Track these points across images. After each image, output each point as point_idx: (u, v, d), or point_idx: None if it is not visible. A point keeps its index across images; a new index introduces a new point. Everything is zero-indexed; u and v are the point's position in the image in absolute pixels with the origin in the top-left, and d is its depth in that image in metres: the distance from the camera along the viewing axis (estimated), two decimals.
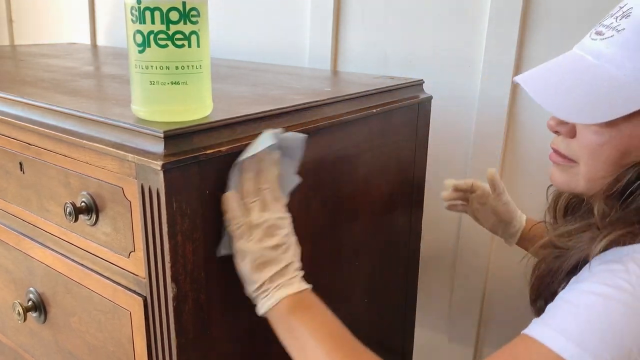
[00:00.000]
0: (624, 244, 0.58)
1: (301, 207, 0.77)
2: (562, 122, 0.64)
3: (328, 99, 0.80)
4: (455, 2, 1.14)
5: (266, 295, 0.64)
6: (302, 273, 0.67)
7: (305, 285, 0.66)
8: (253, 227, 0.64)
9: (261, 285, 0.64)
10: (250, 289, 0.65)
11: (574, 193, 0.71)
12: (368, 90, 0.89)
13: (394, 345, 1.12)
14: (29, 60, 1.21)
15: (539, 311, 0.70)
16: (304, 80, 1.01)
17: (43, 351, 0.88)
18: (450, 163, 1.22)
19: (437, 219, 1.25)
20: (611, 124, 0.58)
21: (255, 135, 0.67)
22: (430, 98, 1.01)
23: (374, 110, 0.87)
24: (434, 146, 1.08)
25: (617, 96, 0.58)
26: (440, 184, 1.05)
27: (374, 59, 1.27)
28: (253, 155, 0.63)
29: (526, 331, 0.58)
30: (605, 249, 0.59)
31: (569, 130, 0.64)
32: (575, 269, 0.63)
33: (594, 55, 0.61)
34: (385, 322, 1.07)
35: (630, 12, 0.59)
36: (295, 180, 0.71)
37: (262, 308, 0.65)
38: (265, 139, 0.64)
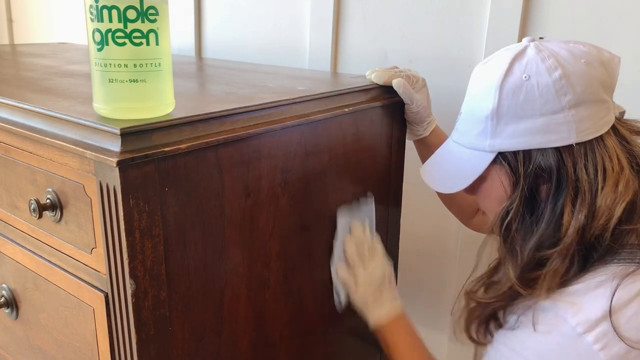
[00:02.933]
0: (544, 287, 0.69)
1: (269, 204, 0.78)
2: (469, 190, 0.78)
3: (296, 97, 0.80)
4: (456, 2, 1.14)
5: (368, 316, 0.90)
6: (394, 293, 0.92)
7: (394, 308, 0.90)
8: (359, 285, 0.90)
9: (366, 311, 0.90)
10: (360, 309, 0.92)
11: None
12: (340, 90, 0.89)
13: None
14: (12, 60, 1.22)
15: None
16: (281, 79, 1.01)
17: (16, 347, 0.89)
18: None
19: (438, 218, 1.25)
20: (480, 182, 0.74)
21: (218, 134, 0.68)
22: None
23: (346, 110, 0.87)
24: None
25: (466, 168, 0.73)
26: None
27: (374, 59, 1.27)
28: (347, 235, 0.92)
29: None
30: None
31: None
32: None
33: (452, 139, 0.78)
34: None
35: (464, 100, 0.76)
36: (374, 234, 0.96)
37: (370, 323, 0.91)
38: (342, 220, 0.91)
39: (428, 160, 0.81)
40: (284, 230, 0.82)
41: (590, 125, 0.67)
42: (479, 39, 1.14)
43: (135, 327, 0.64)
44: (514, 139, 0.68)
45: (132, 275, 0.62)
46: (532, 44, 0.70)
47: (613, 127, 0.69)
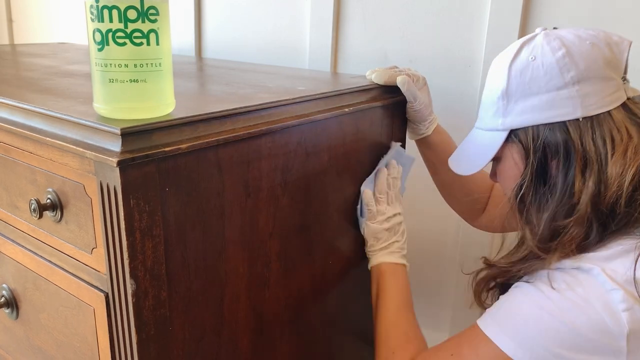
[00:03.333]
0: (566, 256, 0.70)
1: (269, 204, 0.78)
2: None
3: (296, 97, 0.80)
4: (456, 2, 1.14)
5: (373, 256, 0.94)
6: (403, 252, 0.95)
7: (401, 261, 0.93)
8: (378, 214, 0.94)
9: (373, 250, 0.94)
10: (367, 249, 0.96)
11: None
12: (340, 90, 0.89)
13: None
14: (12, 60, 1.22)
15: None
16: (281, 79, 1.01)
17: (16, 347, 0.89)
18: None
19: (438, 218, 1.25)
20: (498, 161, 0.78)
21: (218, 134, 0.68)
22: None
23: (346, 110, 0.88)
24: None
25: (480, 149, 0.77)
26: None
27: (374, 59, 1.27)
28: (387, 164, 0.97)
29: (478, 321, 0.70)
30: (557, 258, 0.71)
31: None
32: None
33: (476, 126, 0.82)
34: (364, 320, 1.08)
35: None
36: (404, 188, 1.02)
37: (369, 264, 0.95)
38: (396, 152, 0.99)
39: (456, 150, 0.85)
40: (284, 230, 0.82)
41: (596, 101, 0.69)
42: (479, 39, 1.14)
43: (136, 327, 0.64)
44: (523, 116, 0.72)
45: (132, 275, 0.62)
46: (543, 32, 0.73)
47: (624, 105, 0.70)
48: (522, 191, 0.73)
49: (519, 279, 0.74)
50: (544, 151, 0.71)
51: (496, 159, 0.78)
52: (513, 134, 0.74)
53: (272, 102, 0.77)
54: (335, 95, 0.88)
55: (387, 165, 0.97)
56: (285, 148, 0.79)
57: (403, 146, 1.02)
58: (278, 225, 0.80)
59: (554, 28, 0.75)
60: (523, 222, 0.74)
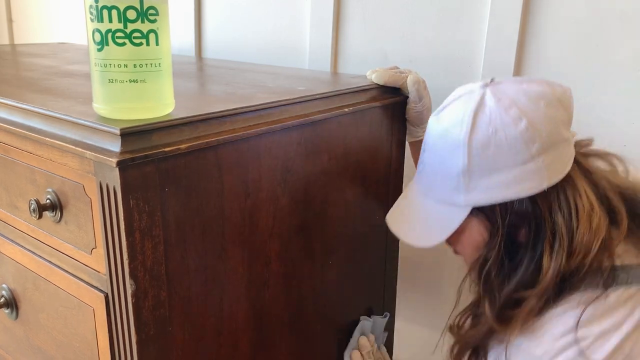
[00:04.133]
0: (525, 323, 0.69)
1: (269, 204, 0.78)
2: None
3: (296, 97, 0.80)
4: (456, 2, 1.14)
5: None
6: None
7: None
8: None
9: None
10: None
11: None
12: (340, 90, 0.89)
13: None
14: (12, 60, 1.22)
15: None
16: (281, 79, 1.01)
17: (16, 347, 0.89)
18: None
19: None
20: (456, 234, 0.73)
21: (217, 134, 0.68)
22: (405, 98, 1.01)
23: (346, 110, 0.87)
24: None
25: (441, 221, 0.73)
26: None
27: (374, 59, 1.27)
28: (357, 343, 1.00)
29: None
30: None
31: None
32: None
33: (419, 190, 0.78)
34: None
35: (425, 149, 0.76)
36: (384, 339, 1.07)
37: None
38: (362, 327, 1.01)
39: (393, 211, 0.81)
40: (284, 230, 0.82)
41: (558, 167, 0.68)
42: (479, 39, 1.13)
43: (135, 327, 0.64)
44: (489, 193, 0.69)
45: (132, 276, 0.62)
46: (487, 90, 0.70)
47: (576, 162, 0.70)
48: (487, 265, 0.71)
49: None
50: (512, 224, 0.69)
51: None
52: (476, 209, 0.71)
53: (271, 102, 0.77)
54: (335, 95, 0.88)
55: (358, 345, 0.99)
56: (285, 148, 0.79)
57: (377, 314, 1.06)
58: (278, 225, 0.80)
59: (491, 80, 0.72)
60: (483, 292, 0.72)
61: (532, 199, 0.68)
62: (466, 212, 0.71)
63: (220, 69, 1.17)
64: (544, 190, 0.67)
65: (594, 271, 0.66)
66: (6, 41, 2.16)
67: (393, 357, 1.21)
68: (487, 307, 0.71)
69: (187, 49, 1.57)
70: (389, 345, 1.16)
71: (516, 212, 0.69)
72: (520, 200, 0.68)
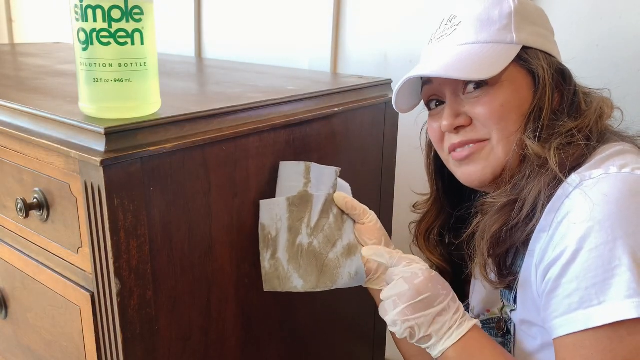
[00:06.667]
0: (572, 156, 0.65)
1: (258, 204, 0.78)
2: (457, 117, 0.72)
3: (284, 97, 0.80)
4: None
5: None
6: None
7: (468, 325, 0.68)
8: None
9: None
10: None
11: (491, 179, 0.72)
12: (329, 90, 0.89)
13: (366, 334, 1.13)
14: (4, 59, 1.22)
15: (499, 266, 0.70)
16: (272, 79, 1.01)
17: (6, 347, 0.89)
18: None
19: None
20: (495, 86, 0.69)
21: (204, 133, 0.68)
22: None
23: (336, 109, 0.87)
24: None
25: (489, 58, 0.69)
26: None
27: (374, 59, 1.27)
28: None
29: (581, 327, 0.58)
30: (559, 161, 0.65)
31: (466, 119, 0.71)
32: (534, 210, 0.65)
33: (452, 45, 0.72)
34: (356, 319, 1.08)
35: (456, 15, 0.74)
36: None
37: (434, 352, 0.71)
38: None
39: (422, 65, 0.73)
40: None
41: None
42: None
43: (121, 327, 0.64)
44: (535, 37, 0.72)
45: (117, 275, 0.62)
46: None
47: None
48: (542, 114, 0.68)
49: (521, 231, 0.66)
50: (555, 76, 0.70)
51: (484, 83, 0.70)
52: (522, 60, 0.70)
53: (259, 102, 0.77)
54: (324, 95, 0.88)
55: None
56: (274, 147, 0.79)
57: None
58: None
59: None
60: (543, 145, 0.67)
61: (562, 64, 0.73)
62: (517, 50, 0.70)
63: (213, 68, 1.17)
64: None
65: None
66: (6, 41, 2.17)
67: (386, 355, 1.21)
68: (551, 158, 0.65)
69: (187, 49, 1.57)
70: (382, 343, 1.16)
71: (557, 67, 0.72)
72: (555, 58, 0.73)
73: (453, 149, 0.73)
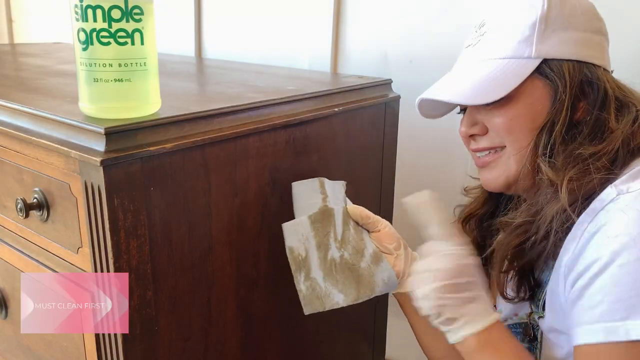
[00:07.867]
0: (587, 185, 0.63)
1: (257, 204, 0.78)
2: (473, 125, 0.73)
3: (284, 97, 0.80)
4: (456, 2, 1.14)
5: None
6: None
7: (492, 318, 0.67)
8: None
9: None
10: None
11: (506, 187, 0.73)
12: (330, 89, 0.89)
13: (366, 333, 1.13)
14: (4, 59, 1.22)
15: (520, 280, 0.73)
16: (272, 79, 1.01)
17: (6, 347, 0.89)
18: (451, 164, 1.22)
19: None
20: (510, 99, 0.68)
21: (204, 133, 0.68)
22: (397, 98, 1.01)
23: (336, 109, 0.87)
24: (434, 147, 1.06)
25: (501, 78, 0.68)
26: (440, 184, 1.04)
27: (374, 59, 1.26)
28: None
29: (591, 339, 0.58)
30: (570, 192, 0.63)
31: (481, 127, 0.72)
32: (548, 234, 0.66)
33: (474, 59, 0.73)
34: (356, 318, 1.08)
35: (485, 22, 0.74)
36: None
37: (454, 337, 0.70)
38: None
39: (434, 87, 0.75)
40: (273, 230, 0.81)
41: (608, 60, 0.71)
42: None
43: None
44: (562, 46, 0.68)
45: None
46: None
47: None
48: (555, 129, 0.66)
49: (538, 251, 0.67)
50: (579, 88, 0.67)
51: (499, 100, 0.68)
52: (541, 72, 0.68)
53: (259, 102, 0.77)
54: (324, 95, 0.88)
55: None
56: (274, 147, 0.79)
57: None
58: (267, 225, 0.80)
59: None
60: (543, 163, 0.67)
61: (597, 69, 0.68)
62: (535, 64, 0.68)
63: (213, 68, 1.17)
64: (605, 70, 0.69)
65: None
66: (6, 41, 2.17)
67: (386, 355, 1.21)
68: (546, 169, 0.66)
69: (187, 49, 1.57)
70: (382, 343, 1.16)
71: (586, 75, 0.67)
72: (588, 66, 0.68)
73: (474, 152, 0.75)
